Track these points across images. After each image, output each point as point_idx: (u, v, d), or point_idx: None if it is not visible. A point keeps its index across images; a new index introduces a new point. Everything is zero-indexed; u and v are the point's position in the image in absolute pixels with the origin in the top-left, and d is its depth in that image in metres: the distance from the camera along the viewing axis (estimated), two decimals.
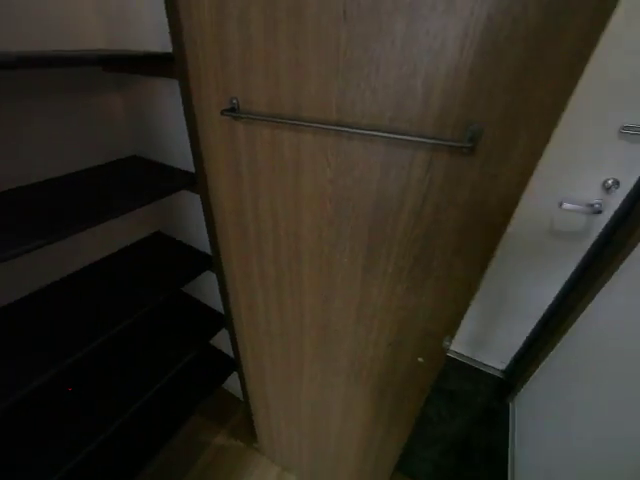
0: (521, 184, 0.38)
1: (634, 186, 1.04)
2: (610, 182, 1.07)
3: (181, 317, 1.10)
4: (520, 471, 1.23)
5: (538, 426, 1.24)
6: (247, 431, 1.38)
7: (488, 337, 1.62)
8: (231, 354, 1.12)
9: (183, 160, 0.85)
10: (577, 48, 0.30)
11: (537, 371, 1.37)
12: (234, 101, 0.54)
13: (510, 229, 1.31)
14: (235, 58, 0.51)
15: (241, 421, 1.45)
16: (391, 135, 0.40)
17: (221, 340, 1.17)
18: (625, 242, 1.02)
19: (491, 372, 1.68)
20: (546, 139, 0.34)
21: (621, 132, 0.99)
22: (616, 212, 1.10)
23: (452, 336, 0.49)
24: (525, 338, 1.50)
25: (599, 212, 1.11)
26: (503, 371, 1.65)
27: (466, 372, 1.67)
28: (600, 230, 1.15)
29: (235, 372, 1.18)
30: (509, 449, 1.34)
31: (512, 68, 0.33)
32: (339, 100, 0.44)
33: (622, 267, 1.03)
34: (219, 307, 1.04)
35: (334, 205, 0.52)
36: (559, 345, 1.26)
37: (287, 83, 0.47)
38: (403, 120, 0.41)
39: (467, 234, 0.44)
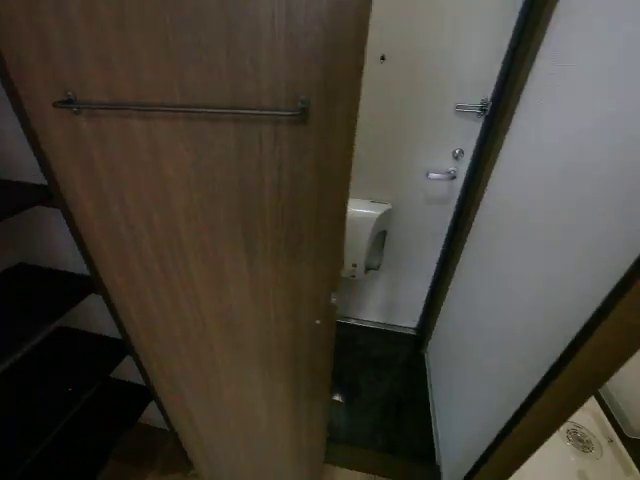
0: (350, 144, 0.45)
1: (473, 153, 1.29)
2: (457, 152, 1.30)
3: (70, 357, 0.95)
4: (438, 408, 1.42)
5: (441, 365, 1.44)
6: (181, 460, 1.27)
7: (399, 302, 1.81)
8: (142, 382, 1.01)
9: (30, 172, 0.73)
10: (356, 30, 0.37)
11: (438, 321, 1.59)
12: (69, 93, 0.50)
13: (395, 203, 1.47)
14: (58, 45, 0.46)
15: (172, 452, 1.32)
16: (233, 111, 0.43)
17: (127, 369, 1.05)
18: (473, 199, 1.27)
19: (407, 332, 1.88)
20: (356, 104, 0.41)
21: (456, 110, 1.22)
22: (466, 176, 1.35)
23: (336, 291, 0.54)
24: (426, 295, 1.73)
25: (454, 178, 1.35)
26: (415, 328, 1.87)
27: (386, 338, 1.84)
28: (459, 193, 1.40)
29: (152, 401, 1.07)
30: (428, 394, 1.54)
31: (316, 46, 0.38)
32: (180, 82, 0.45)
33: (475, 221, 1.27)
34: (115, 332, 0.93)
35: (202, 189, 0.52)
36: (447, 295, 1.49)
37: (123, 68, 0.45)
38: (242, 96, 0.43)
39: (323, 195, 0.49)
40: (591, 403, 1.49)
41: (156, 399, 0.99)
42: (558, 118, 0.83)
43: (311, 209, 0.50)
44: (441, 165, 1.34)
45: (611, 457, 1.30)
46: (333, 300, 0.55)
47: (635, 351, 0.54)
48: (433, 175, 1.32)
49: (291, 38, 0.38)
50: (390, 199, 1.46)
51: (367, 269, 1.63)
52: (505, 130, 1.11)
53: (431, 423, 1.42)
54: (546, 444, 1.37)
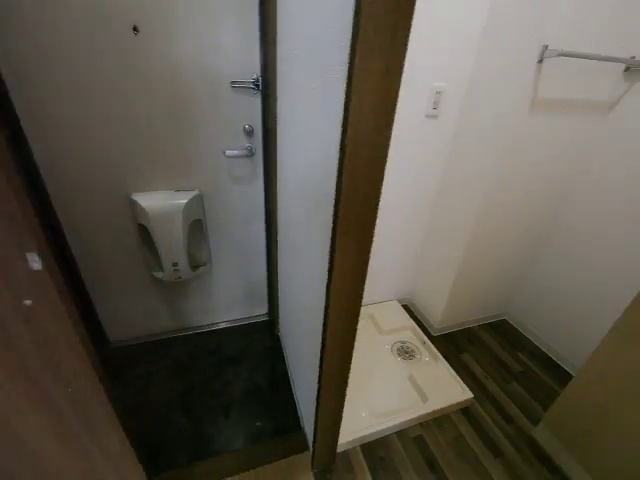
0: None
1: (262, 129, 1.36)
2: (247, 127, 1.34)
3: None
4: (294, 376, 1.44)
5: (289, 336, 1.48)
6: None
7: (244, 291, 1.75)
8: None
9: None
10: None
11: (279, 296, 1.63)
12: None
13: (204, 188, 1.37)
14: None
15: None
16: None
17: None
18: (271, 173, 1.34)
19: (261, 319, 1.86)
20: None
21: (232, 86, 1.25)
22: (263, 151, 1.41)
23: (38, 251, 0.41)
24: (266, 276, 1.74)
25: (253, 154, 1.39)
26: (267, 313, 1.87)
27: (241, 332, 1.76)
28: (262, 169, 1.45)
29: None
30: (287, 369, 1.55)
31: None
32: None
33: (279, 194, 1.35)
34: None
35: None
36: (279, 270, 1.54)
37: None
38: None
39: None
40: (407, 321, 1.85)
41: None
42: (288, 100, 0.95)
43: None
44: (236, 142, 1.35)
45: (426, 355, 1.65)
46: (36, 265, 0.41)
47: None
48: (230, 152, 1.32)
49: None
50: (196, 185, 1.38)
51: (195, 266, 1.50)
52: (274, 104, 1.21)
53: (292, 394, 1.43)
54: (383, 364, 1.60)
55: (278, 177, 1.32)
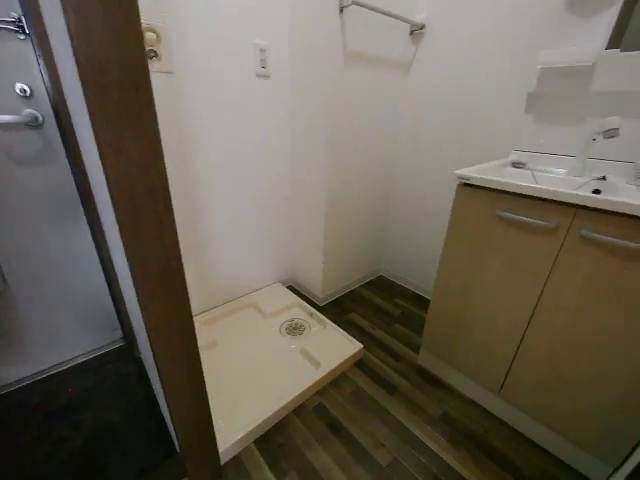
0: None
1: (46, 89, 1.04)
2: (20, 87, 1.00)
3: None
4: (159, 396, 1.14)
5: (147, 354, 1.18)
6: None
7: (86, 316, 1.33)
8: None
9: None
10: None
11: (129, 312, 1.29)
12: None
13: None
14: None
15: None
16: None
17: None
18: (73, 148, 1.03)
19: (114, 346, 1.45)
20: None
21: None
22: (56, 119, 1.08)
23: None
24: (107, 288, 1.37)
25: (41, 125, 1.06)
26: (123, 337, 1.48)
27: (85, 370, 1.33)
28: (61, 143, 1.12)
29: None
30: (154, 391, 1.23)
31: None
32: None
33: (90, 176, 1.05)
34: None
35: None
36: (120, 281, 1.21)
37: None
38: None
39: None
40: (293, 299, 1.77)
41: None
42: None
43: None
44: (4, 107, 0.99)
45: (315, 325, 1.59)
46: None
47: None
48: None
49: None
50: None
51: None
52: (50, 53, 0.93)
53: (162, 416, 1.13)
54: (272, 347, 1.45)
55: (83, 155, 1.03)
